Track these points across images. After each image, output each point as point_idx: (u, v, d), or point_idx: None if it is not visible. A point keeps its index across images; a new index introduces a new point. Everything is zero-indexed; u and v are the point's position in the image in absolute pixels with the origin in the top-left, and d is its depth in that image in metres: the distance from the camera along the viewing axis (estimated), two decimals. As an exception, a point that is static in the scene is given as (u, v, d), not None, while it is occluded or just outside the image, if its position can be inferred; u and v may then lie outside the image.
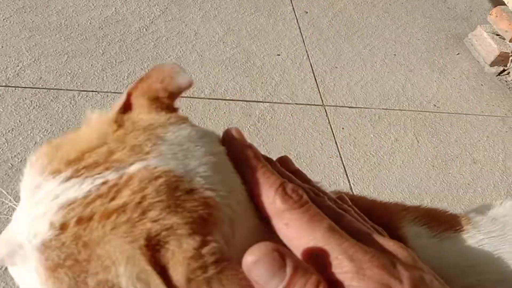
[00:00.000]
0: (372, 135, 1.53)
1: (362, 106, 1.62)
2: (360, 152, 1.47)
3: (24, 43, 1.42)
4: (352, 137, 1.51)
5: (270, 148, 1.38)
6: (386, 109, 1.63)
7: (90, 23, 1.54)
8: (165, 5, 1.69)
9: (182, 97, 1.36)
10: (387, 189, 1.37)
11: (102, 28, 1.54)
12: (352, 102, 1.62)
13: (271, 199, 0.30)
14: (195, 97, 1.44)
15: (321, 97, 1.59)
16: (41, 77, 1.34)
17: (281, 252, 0.25)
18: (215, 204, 0.29)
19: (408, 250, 0.30)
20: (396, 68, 1.81)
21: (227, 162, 0.33)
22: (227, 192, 0.30)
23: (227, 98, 1.48)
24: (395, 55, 1.87)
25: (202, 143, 0.33)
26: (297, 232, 0.29)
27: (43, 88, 1.31)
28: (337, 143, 1.47)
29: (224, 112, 1.43)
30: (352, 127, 1.53)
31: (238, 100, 1.48)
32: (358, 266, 0.27)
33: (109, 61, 1.45)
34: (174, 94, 0.39)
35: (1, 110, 1.24)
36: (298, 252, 0.29)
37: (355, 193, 1.32)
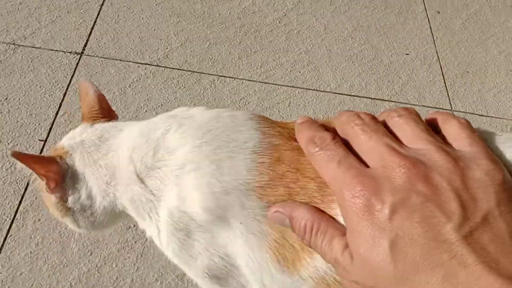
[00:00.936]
0: (502, 147, 1.45)
1: (493, 116, 1.53)
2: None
3: (173, 28, 1.58)
4: (480, 146, 1.44)
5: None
6: (521, 120, 1.53)
7: (229, 13, 1.65)
8: (298, -1, 1.75)
9: (307, 89, 1.43)
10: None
11: (240, 18, 1.64)
12: (482, 110, 1.55)
13: (305, 149, 0.38)
14: (321, 91, 1.48)
15: (450, 102, 1.54)
16: (186, 60, 1.48)
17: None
18: None
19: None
20: (536, 78, 1.68)
21: None
22: None
23: (352, 94, 1.50)
24: (536, 63, 1.74)
25: None
26: (320, 172, 0.37)
27: (188, 71, 1.45)
28: (463, 150, 1.42)
29: (349, 107, 1.45)
30: (481, 136, 1.47)
31: (363, 97, 1.50)
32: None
33: (245, 50, 1.55)
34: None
35: (153, 86, 1.39)
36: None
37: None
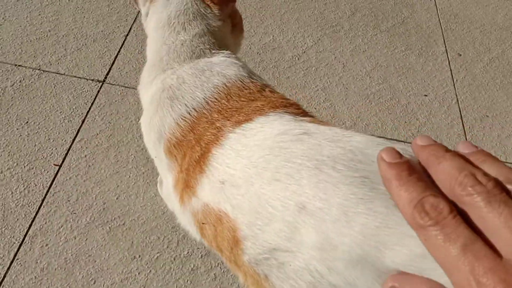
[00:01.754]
0: (522, 195, 1.40)
1: (513, 162, 1.50)
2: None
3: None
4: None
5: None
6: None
7: (250, 48, 1.68)
8: (318, 37, 1.77)
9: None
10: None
11: (259, 54, 1.67)
12: (502, 156, 1.51)
13: (410, 216, 0.30)
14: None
15: (467, 146, 1.51)
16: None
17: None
18: None
19: None
20: (560, 125, 1.64)
21: None
22: None
23: (368, 133, 1.48)
24: (559, 110, 1.70)
25: None
26: (432, 251, 0.29)
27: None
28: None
29: (364, 147, 1.44)
30: (500, 183, 1.43)
31: (378, 137, 1.48)
32: None
33: (262, 84, 1.56)
34: None
35: (169, 117, 1.41)
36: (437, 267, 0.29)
37: None
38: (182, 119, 0.71)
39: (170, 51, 0.80)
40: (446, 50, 1.85)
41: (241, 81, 0.74)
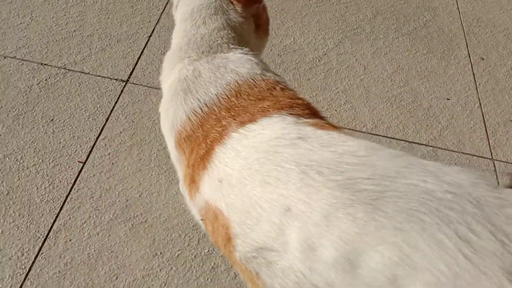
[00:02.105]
0: (547, 201, 1.38)
1: (538, 167, 1.47)
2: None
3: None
4: (522, 199, 1.38)
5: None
6: None
7: (270, 50, 1.69)
8: (339, 39, 1.77)
9: (343, 128, 1.39)
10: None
11: (280, 55, 1.67)
12: (526, 161, 1.49)
13: None
14: (357, 130, 1.47)
15: (490, 150, 1.49)
16: (225, 93, 1.51)
17: None
18: None
19: None
20: None
21: None
22: None
23: (389, 135, 1.48)
24: None
25: None
26: None
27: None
28: (504, 202, 1.36)
29: (385, 150, 1.43)
30: (524, 188, 1.40)
31: (400, 139, 1.47)
32: None
33: (282, 86, 1.56)
34: None
35: (191, 117, 1.43)
36: None
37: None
38: (193, 113, 0.72)
39: (190, 43, 0.83)
40: (469, 53, 1.82)
41: (252, 79, 0.75)
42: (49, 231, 1.15)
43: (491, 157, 1.47)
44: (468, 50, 1.84)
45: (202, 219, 0.70)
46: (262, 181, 0.59)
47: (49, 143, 1.33)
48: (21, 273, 1.07)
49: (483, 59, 1.83)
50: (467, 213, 0.47)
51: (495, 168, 1.45)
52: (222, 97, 0.72)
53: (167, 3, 1.82)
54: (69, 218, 1.18)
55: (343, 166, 0.55)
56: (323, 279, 0.52)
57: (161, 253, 1.13)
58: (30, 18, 1.71)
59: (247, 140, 0.65)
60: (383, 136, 1.47)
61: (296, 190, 0.55)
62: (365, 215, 0.50)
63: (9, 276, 1.06)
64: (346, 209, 0.51)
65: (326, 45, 1.74)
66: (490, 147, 1.50)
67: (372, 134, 1.47)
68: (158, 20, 1.75)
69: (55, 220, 1.17)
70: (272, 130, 0.64)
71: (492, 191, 0.50)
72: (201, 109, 0.72)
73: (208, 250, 1.15)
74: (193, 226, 1.19)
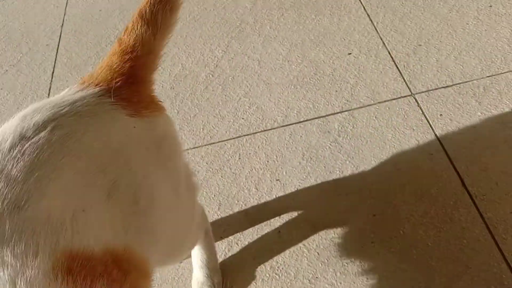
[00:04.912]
0: (479, 113, 1.28)
1: (460, 82, 1.37)
2: (469, 138, 1.24)
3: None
4: (454, 122, 1.28)
5: (358, 162, 1.25)
6: (491, 75, 1.36)
7: (162, 86, 1.62)
8: (225, 44, 1.70)
9: (255, 133, 1.33)
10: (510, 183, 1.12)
11: (173, 88, 1.61)
12: (447, 81, 1.39)
13: None
14: (269, 129, 1.40)
15: (407, 86, 1.40)
16: (129, 153, 1.45)
17: None
18: None
19: None
20: (496, 22, 1.50)
21: None
22: None
23: (301, 120, 1.40)
24: (490, 6, 1.56)
25: None
26: None
27: (132, 163, 1.41)
28: (437, 134, 1.27)
29: (301, 136, 1.35)
30: (452, 111, 1.31)
31: (313, 119, 1.39)
32: None
33: (184, 119, 1.50)
34: None
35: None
36: None
37: (474, 192, 1.11)
38: None
39: None
40: (357, -3, 1.73)
41: None
42: None
43: (410, 93, 1.38)
44: (355, -6, 1.74)
45: None
46: None
47: None
48: None
49: (374, -5, 1.73)
50: None
51: (417, 103, 1.35)
52: None
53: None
54: None
55: None
56: None
57: None
58: None
59: None
60: (296, 123, 1.39)
61: None
62: None
63: None
64: None
65: (215, 56, 1.67)
66: (406, 83, 1.41)
67: (285, 125, 1.39)
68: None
69: None
70: None
71: None
72: None
73: None
74: None
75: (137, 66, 0.76)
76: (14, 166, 0.59)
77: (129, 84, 0.74)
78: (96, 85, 0.72)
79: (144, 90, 0.79)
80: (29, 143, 0.61)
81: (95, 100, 0.69)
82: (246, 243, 1.15)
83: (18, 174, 0.58)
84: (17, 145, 0.61)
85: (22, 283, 0.50)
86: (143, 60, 0.77)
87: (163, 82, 1.64)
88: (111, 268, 0.57)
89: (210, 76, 1.61)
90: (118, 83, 0.73)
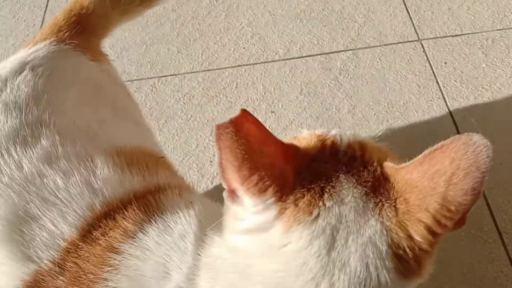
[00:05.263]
0: (484, 65, 1.26)
1: (469, 32, 1.33)
2: (470, 88, 1.22)
3: (107, 41, 1.51)
4: (458, 71, 1.26)
5: (356, 101, 1.23)
6: (502, 29, 1.32)
7: (163, 8, 1.55)
8: (233, -30, 1.62)
9: (254, 64, 1.30)
10: (506, 132, 1.12)
11: (175, 10, 1.55)
12: (456, 29, 1.35)
13: None
14: (269, 61, 1.36)
15: (416, 31, 1.36)
16: (124, 70, 1.41)
17: None
18: None
19: None
20: (516, -26, 1.44)
21: None
22: None
23: (304, 55, 1.36)
24: (513, -43, 1.49)
25: None
26: None
27: (127, 81, 1.38)
28: (439, 82, 1.25)
29: (301, 71, 1.32)
30: (458, 60, 1.28)
31: (315, 55, 1.36)
32: None
33: (183, 42, 1.45)
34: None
35: (95, 108, 1.35)
36: None
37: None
38: None
39: None
40: None
41: None
42: None
43: (417, 38, 1.35)
44: None
45: None
46: None
47: None
48: None
49: None
50: None
51: (423, 49, 1.32)
52: None
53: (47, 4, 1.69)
54: None
55: None
56: None
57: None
58: None
59: None
60: (297, 58, 1.36)
61: None
62: None
63: None
64: None
65: (221, -19, 1.60)
66: (415, 27, 1.37)
67: (286, 59, 1.36)
68: (42, 21, 1.63)
69: None
70: None
71: None
72: None
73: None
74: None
75: (84, 20, 0.79)
76: (18, 96, 0.63)
77: (78, 33, 0.76)
78: (45, 39, 0.73)
79: (94, 40, 0.81)
80: (17, 80, 0.65)
81: (55, 48, 0.72)
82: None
83: (27, 99, 0.62)
84: (8, 82, 0.65)
85: (97, 181, 0.55)
86: (92, 18, 0.80)
87: (165, 4, 1.57)
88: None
89: (214, 1, 1.55)
90: (67, 33, 0.75)
